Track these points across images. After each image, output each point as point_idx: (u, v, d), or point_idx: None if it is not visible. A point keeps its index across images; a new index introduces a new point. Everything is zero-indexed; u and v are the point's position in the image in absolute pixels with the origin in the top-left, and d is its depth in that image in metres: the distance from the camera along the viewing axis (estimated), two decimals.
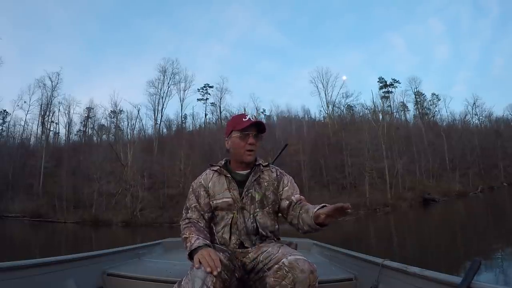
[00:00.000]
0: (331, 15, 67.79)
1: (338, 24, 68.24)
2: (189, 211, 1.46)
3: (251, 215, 1.42)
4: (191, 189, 1.52)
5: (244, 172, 1.49)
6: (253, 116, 1.50)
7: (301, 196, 1.48)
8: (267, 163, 1.56)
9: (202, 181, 1.50)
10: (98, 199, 26.13)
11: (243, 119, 1.46)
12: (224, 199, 1.43)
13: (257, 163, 1.52)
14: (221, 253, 1.25)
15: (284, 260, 1.14)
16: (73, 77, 60.05)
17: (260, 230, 1.41)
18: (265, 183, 1.48)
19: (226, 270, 1.17)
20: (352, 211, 1.16)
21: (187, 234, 1.33)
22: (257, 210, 1.43)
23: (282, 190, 1.49)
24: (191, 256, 1.22)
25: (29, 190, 28.16)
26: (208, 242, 1.27)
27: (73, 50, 57.05)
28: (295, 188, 1.52)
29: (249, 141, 1.43)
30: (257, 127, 1.46)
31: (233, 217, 1.42)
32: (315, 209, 1.27)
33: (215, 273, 1.08)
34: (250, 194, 1.44)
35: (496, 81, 60.81)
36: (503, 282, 5.24)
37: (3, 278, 1.27)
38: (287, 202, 1.46)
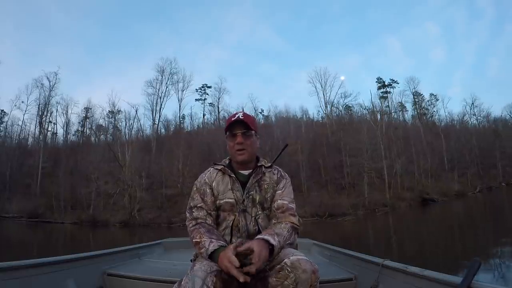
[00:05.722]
0: (329, 19, 68.19)
1: (336, 27, 68.48)
2: (194, 210, 1.41)
3: (253, 218, 1.40)
4: (195, 188, 1.48)
5: (246, 173, 1.47)
6: (242, 114, 1.43)
7: (285, 205, 1.39)
8: (270, 164, 1.52)
9: (207, 179, 1.47)
10: (96, 199, 26.03)
11: (232, 119, 1.42)
12: (227, 200, 1.41)
13: (259, 164, 1.49)
14: None
15: (286, 260, 1.14)
16: (72, 78, 60.10)
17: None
18: (265, 185, 1.45)
19: None
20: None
21: (197, 238, 1.29)
22: (259, 212, 1.42)
23: (275, 193, 1.46)
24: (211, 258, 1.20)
25: (26, 190, 27.99)
26: (222, 242, 1.24)
27: (72, 51, 57.12)
28: (287, 194, 1.45)
29: (237, 140, 1.41)
30: (243, 124, 1.41)
31: (234, 219, 1.40)
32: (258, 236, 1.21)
33: (248, 280, 1.06)
34: (251, 196, 1.42)
35: (494, 81, 61.16)
36: (502, 282, 5.26)
37: (3, 278, 1.27)
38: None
